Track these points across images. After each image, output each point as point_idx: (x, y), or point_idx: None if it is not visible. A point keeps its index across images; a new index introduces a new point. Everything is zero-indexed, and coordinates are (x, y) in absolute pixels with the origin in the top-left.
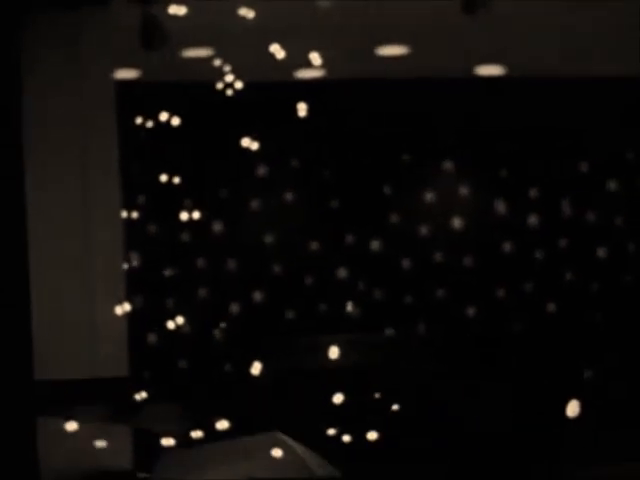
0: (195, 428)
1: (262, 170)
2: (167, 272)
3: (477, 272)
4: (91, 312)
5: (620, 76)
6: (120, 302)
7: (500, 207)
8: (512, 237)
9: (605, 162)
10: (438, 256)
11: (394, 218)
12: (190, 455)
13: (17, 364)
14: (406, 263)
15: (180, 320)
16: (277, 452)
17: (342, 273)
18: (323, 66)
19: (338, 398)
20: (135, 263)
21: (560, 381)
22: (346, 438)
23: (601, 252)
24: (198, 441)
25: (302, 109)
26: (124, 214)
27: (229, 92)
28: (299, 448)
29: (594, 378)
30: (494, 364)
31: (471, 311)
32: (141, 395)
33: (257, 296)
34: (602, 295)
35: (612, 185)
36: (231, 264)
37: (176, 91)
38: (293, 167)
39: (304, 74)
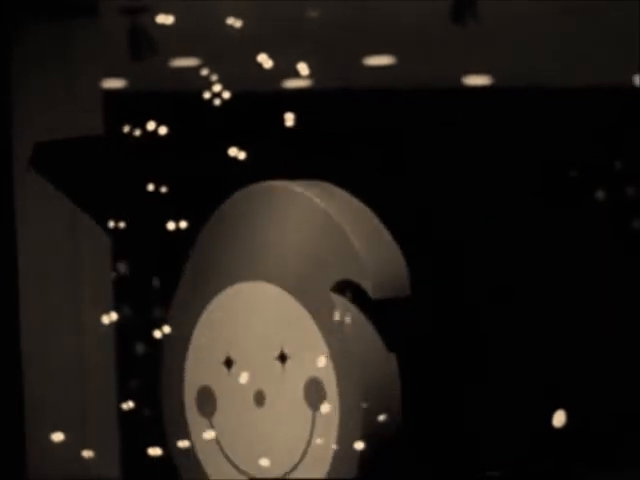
0: None
1: (250, 180)
2: (155, 282)
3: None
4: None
5: (613, 86)
6: (107, 311)
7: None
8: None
9: (594, 172)
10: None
11: None
12: None
13: None
14: None
15: (167, 329)
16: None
17: None
18: (311, 76)
19: None
20: (123, 272)
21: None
22: None
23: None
24: None
25: (289, 119)
26: (112, 223)
27: (217, 101)
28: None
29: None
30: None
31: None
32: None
33: None
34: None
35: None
36: None
37: (164, 100)
38: (281, 177)
39: (292, 84)
